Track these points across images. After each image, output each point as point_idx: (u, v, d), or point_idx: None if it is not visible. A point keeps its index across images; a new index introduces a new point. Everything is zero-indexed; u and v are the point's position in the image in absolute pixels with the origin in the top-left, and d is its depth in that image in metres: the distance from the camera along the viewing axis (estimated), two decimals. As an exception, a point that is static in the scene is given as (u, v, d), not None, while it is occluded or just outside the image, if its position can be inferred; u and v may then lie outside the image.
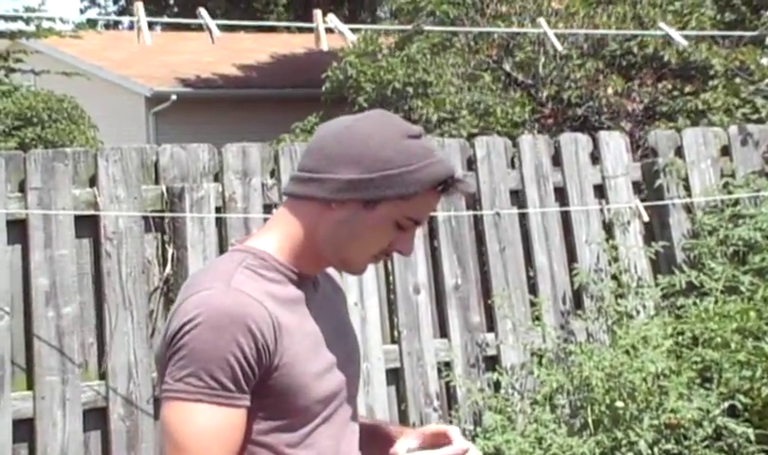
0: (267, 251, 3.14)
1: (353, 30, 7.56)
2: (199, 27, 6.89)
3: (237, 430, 3.01)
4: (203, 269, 3.54)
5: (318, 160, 3.15)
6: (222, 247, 6.99)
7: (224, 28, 7.22)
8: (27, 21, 17.81)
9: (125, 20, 24.80)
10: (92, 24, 22.99)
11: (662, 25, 9.46)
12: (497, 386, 7.46)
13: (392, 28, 14.88)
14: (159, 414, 3.16)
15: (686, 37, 9.84)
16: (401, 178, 3.08)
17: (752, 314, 7.66)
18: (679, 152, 8.66)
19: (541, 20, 9.30)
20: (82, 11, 32.19)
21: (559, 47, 9.97)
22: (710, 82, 12.92)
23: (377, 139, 3.13)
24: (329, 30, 6.86)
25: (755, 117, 10.46)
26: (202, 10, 6.61)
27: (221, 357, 2.95)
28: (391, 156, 3.09)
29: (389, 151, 3.11)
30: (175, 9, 27.29)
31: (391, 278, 7.04)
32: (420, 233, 7.54)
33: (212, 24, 6.65)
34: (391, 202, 3.09)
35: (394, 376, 7.00)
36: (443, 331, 7.65)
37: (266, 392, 3.05)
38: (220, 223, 6.97)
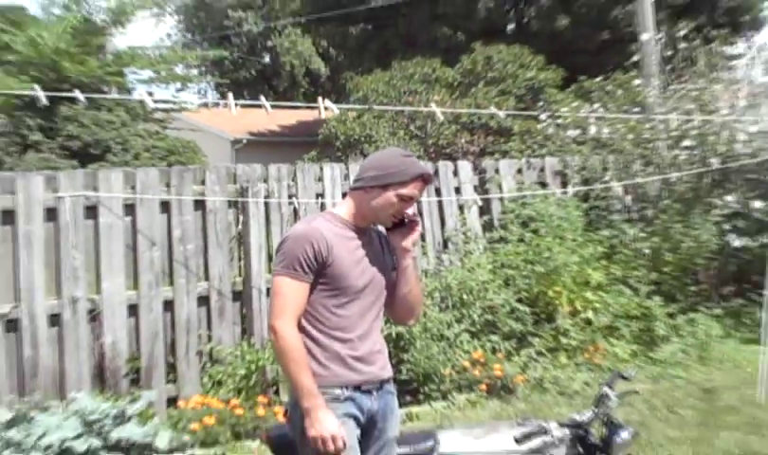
0: (340, 214, 4.05)
1: (338, 107, 9.64)
2: (259, 105, 9.17)
3: (302, 292, 3.92)
4: (305, 217, 4.54)
5: (361, 171, 4.07)
6: (268, 218, 8.84)
7: (273, 106, 9.24)
8: (175, 104, 21.48)
9: (221, 102, 29.34)
10: (205, 104, 26.92)
11: (492, 108, 11.41)
12: (404, 288, 9.36)
13: (356, 107, 17.04)
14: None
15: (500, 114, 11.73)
16: (398, 173, 3.98)
17: (530, 252, 9.89)
18: (497, 171, 10.70)
19: (432, 104, 11.38)
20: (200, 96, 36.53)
21: (441, 117, 11.93)
22: (513, 137, 15.15)
23: (387, 156, 4.09)
24: (326, 107, 9.12)
25: (534, 155, 12.26)
26: (262, 99, 8.87)
27: (296, 255, 3.89)
28: (394, 163, 4.01)
29: (393, 161, 4.03)
30: (246, 91, 33.22)
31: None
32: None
33: (267, 104, 8.98)
34: (394, 186, 3.97)
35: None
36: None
37: (324, 275, 3.92)
38: (266, 205, 8.89)
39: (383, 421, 4.10)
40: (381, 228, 4.17)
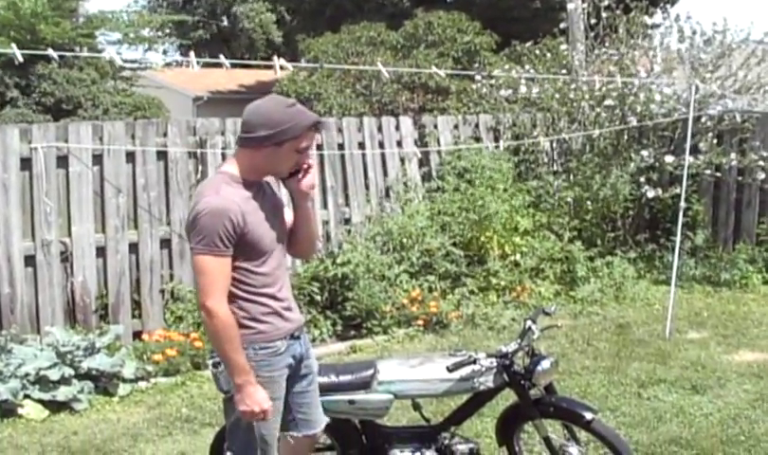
0: (233, 173, 3.78)
1: (292, 66, 9.61)
2: (219, 64, 8.92)
3: (226, 267, 3.70)
4: (206, 183, 3.91)
5: (247, 126, 3.74)
6: (224, 166, 8.82)
7: (232, 65, 8.96)
8: (141, 63, 21.45)
9: (184, 61, 29.34)
10: (168, 64, 27.07)
11: (434, 68, 11.32)
12: (349, 232, 9.68)
13: (308, 66, 17.05)
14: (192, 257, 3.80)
15: (439, 74, 11.66)
16: (291, 128, 3.67)
17: (465, 200, 9.99)
18: (435, 126, 10.81)
19: (378, 63, 11.46)
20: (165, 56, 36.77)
21: (387, 76, 12.06)
22: (450, 96, 15.29)
23: (275, 111, 3.71)
24: (281, 67, 8.98)
25: (470, 112, 12.32)
26: (222, 58, 8.63)
27: (215, 231, 3.63)
28: (283, 119, 3.66)
29: (280, 115, 3.68)
30: (206, 53, 32.86)
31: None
32: (317, 161, 9.26)
33: (227, 62, 8.73)
34: (289, 141, 3.69)
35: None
36: (325, 205, 9.55)
37: (241, 243, 3.72)
38: (223, 156, 8.76)
39: (307, 358, 4.07)
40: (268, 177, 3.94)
